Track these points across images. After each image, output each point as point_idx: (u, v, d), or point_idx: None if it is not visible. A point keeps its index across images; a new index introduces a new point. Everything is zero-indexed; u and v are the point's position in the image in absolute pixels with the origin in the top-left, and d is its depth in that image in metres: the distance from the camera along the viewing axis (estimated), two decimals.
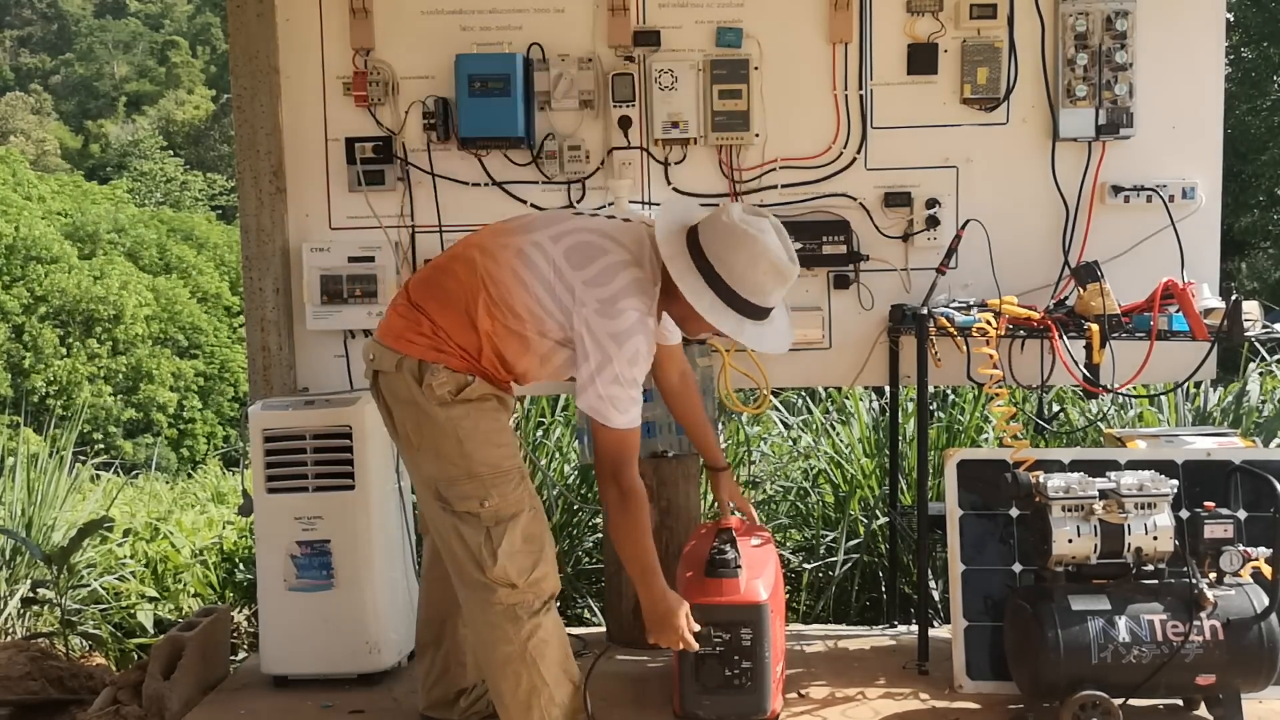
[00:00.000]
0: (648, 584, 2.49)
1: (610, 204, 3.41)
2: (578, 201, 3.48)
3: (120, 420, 20.99)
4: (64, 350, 21.04)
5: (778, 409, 4.87)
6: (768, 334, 2.49)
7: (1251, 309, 3.00)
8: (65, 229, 23.27)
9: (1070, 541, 2.73)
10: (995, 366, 3.03)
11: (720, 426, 3.88)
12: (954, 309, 3.15)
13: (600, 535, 4.14)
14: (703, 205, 2.67)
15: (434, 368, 2.40)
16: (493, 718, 2.78)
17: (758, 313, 2.44)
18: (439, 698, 2.80)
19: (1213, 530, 2.70)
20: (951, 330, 3.08)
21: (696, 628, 2.55)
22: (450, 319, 2.42)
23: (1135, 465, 2.91)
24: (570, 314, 2.36)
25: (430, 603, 2.79)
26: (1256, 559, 2.73)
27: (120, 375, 21.62)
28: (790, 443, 4.84)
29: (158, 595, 4.27)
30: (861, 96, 3.45)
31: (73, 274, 21.63)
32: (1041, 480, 2.79)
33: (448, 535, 2.47)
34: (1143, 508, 2.73)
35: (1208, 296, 3.13)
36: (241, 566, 4.35)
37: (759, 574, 2.80)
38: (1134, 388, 3.64)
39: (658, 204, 3.46)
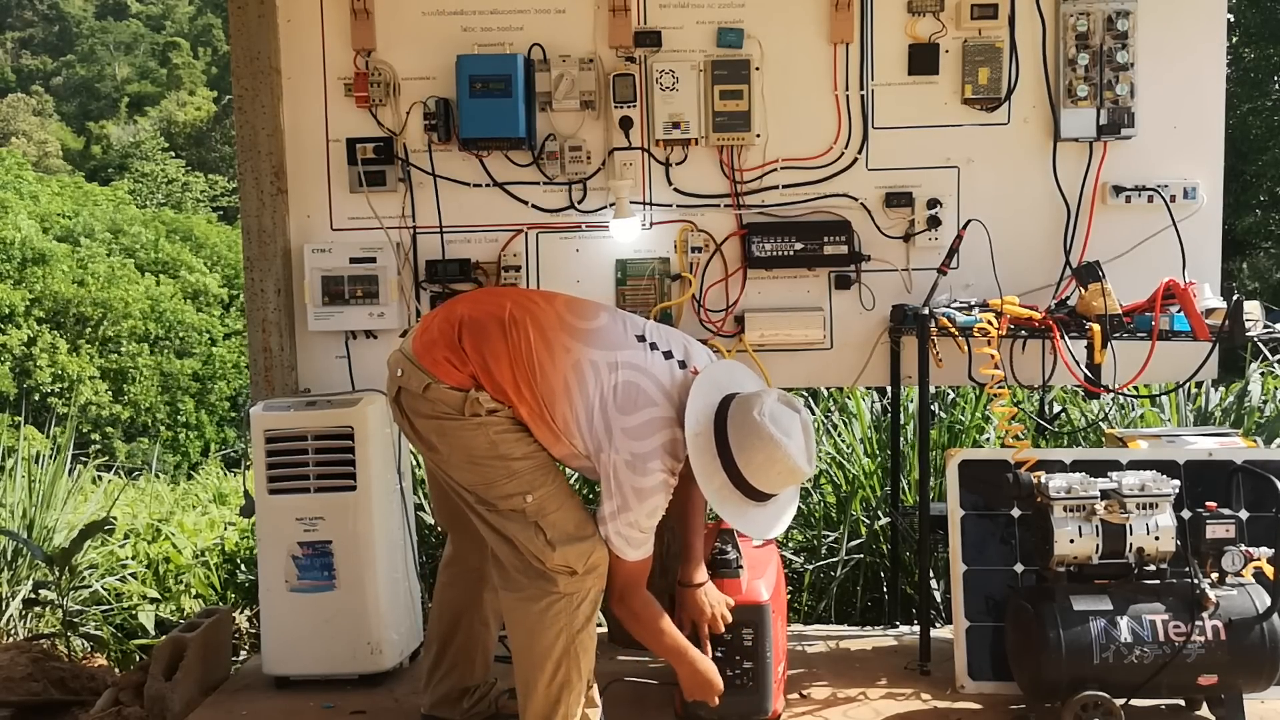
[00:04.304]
0: (681, 661, 2.61)
1: (611, 204, 3.42)
2: (579, 202, 3.48)
3: (118, 419, 20.97)
4: (65, 351, 21.02)
5: None
6: (760, 519, 2.51)
7: (1253, 309, 2.99)
8: (63, 230, 23.26)
9: (1072, 542, 2.73)
10: (997, 367, 3.03)
11: None
12: (955, 309, 3.15)
13: None
14: (745, 373, 2.64)
15: (472, 389, 2.42)
16: (494, 718, 2.80)
17: (763, 497, 2.47)
18: (444, 694, 2.79)
19: (1214, 530, 2.70)
20: (953, 330, 3.08)
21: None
22: (494, 378, 2.42)
23: (1137, 465, 2.92)
24: (600, 450, 2.41)
25: (447, 598, 2.79)
26: (1258, 559, 2.73)
27: (114, 374, 21.60)
28: None
29: (159, 596, 4.28)
30: (863, 97, 3.45)
31: (70, 275, 21.63)
32: (1043, 480, 2.79)
33: (496, 536, 2.47)
34: (1144, 508, 2.73)
35: (1209, 296, 3.12)
36: (243, 567, 4.36)
37: (760, 574, 2.81)
38: (1135, 388, 3.64)
39: (666, 205, 3.46)
